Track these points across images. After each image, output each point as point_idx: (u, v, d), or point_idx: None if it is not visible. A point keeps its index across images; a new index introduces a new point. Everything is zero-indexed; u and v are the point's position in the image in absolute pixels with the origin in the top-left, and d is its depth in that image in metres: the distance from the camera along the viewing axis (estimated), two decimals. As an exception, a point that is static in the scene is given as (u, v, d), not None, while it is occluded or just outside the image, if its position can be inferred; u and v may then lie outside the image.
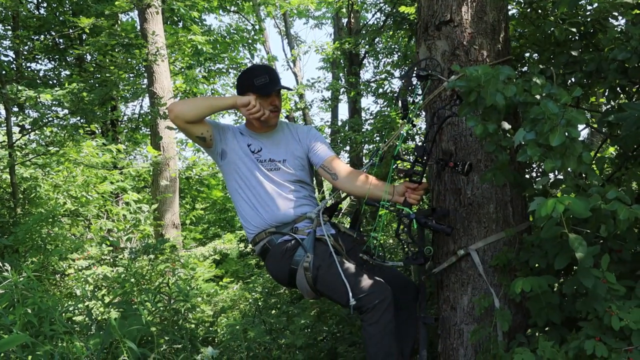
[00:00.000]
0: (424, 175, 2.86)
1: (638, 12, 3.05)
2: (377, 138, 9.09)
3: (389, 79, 11.74)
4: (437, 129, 2.89)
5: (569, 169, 2.18)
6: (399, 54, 11.16)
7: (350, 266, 2.88)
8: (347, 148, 11.06)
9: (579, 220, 2.27)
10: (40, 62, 12.04)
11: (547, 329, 2.62)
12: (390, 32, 10.08)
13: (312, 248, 2.88)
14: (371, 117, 11.87)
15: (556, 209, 1.96)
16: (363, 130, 10.36)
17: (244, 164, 3.00)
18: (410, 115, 2.88)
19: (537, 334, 2.63)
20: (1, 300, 3.42)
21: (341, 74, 13.72)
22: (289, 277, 2.93)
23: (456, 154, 3.03)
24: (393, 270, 3.06)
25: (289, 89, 3.08)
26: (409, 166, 2.85)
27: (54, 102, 8.32)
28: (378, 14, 11.62)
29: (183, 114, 2.82)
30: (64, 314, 3.84)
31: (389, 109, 9.96)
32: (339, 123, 14.13)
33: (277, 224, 3.00)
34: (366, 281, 2.79)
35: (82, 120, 9.50)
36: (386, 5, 9.79)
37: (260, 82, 2.93)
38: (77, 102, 7.89)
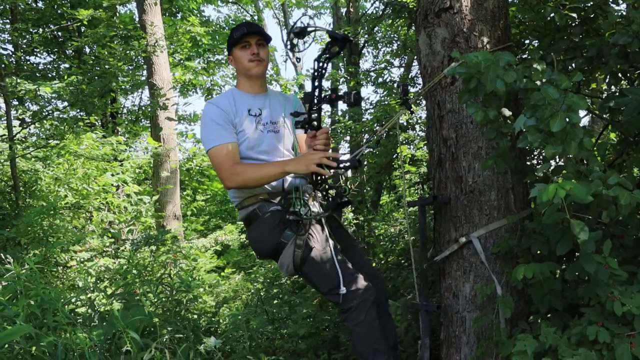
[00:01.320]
0: (320, 120, 2.81)
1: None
2: (377, 128, 9.07)
3: (388, 68, 11.70)
4: (319, 69, 2.76)
5: (570, 155, 2.17)
6: (399, 43, 11.12)
7: (340, 255, 2.83)
8: (348, 138, 11.03)
9: (580, 207, 2.27)
10: (39, 55, 12.01)
11: (549, 315, 2.62)
12: (389, 21, 10.04)
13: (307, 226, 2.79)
14: (371, 106, 11.83)
15: (557, 194, 1.96)
16: (363, 119, 10.33)
17: (245, 128, 2.87)
18: (410, 102, 2.87)
19: (539, 320, 2.63)
20: (4, 292, 3.43)
21: (340, 64, 13.66)
22: (273, 250, 2.82)
23: (457, 141, 3.03)
24: (367, 265, 3.04)
25: (267, 36, 2.96)
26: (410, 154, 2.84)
27: (54, 95, 8.30)
28: (377, 2, 11.56)
29: (247, 184, 2.77)
30: (66, 306, 3.85)
31: (389, 98, 9.92)
32: (339, 113, 14.10)
33: (270, 190, 2.87)
34: (353, 276, 2.74)
35: (81, 113, 9.49)
36: (385, -6, 9.75)
37: (237, 33, 2.90)
38: (76, 94, 7.86)
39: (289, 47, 2.72)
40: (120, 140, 9.17)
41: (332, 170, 2.69)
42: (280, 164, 2.74)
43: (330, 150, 2.81)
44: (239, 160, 2.79)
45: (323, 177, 2.77)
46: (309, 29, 2.68)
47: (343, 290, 2.66)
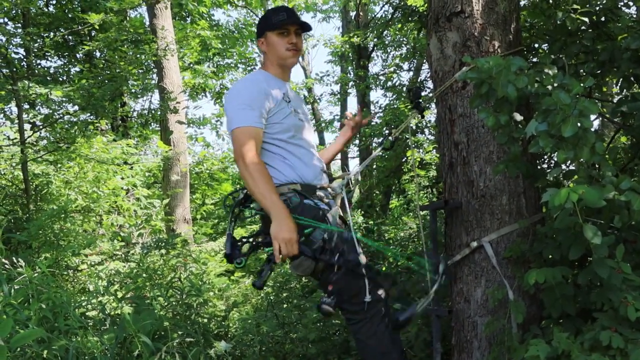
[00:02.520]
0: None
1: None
2: (386, 132, 9.07)
3: (397, 72, 11.71)
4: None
5: (581, 160, 2.16)
6: (408, 46, 11.13)
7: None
8: (357, 141, 11.04)
9: (592, 211, 2.26)
10: (50, 59, 12.09)
11: (561, 320, 2.61)
12: (399, 25, 10.05)
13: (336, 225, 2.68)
14: (380, 110, 11.84)
15: (570, 198, 1.95)
16: (372, 123, 10.35)
17: (282, 112, 2.73)
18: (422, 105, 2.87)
19: (551, 325, 2.62)
20: (17, 295, 3.44)
21: (350, 67, 13.68)
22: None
23: (468, 145, 3.02)
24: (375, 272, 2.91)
25: (308, 26, 2.85)
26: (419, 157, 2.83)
27: (64, 99, 8.35)
28: (386, 6, 11.57)
29: (249, 184, 2.54)
30: (77, 309, 3.87)
31: (398, 102, 9.93)
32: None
33: (303, 182, 2.71)
34: (374, 285, 2.65)
35: (92, 117, 9.54)
36: (394, -2, 9.78)
37: (277, 18, 2.77)
38: (87, 98, 7.90)
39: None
40: (130, 144, 9.20)
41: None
42: (278, 207, 2.50)
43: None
44: (259, 145, 2.64)
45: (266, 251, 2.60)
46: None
47: (368, 298, 2.57)
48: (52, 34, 11.02)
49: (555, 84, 2.25)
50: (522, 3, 3.86)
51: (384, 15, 12.17)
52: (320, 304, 2.52)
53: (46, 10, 11.50)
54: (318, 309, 2.55)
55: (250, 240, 2.64)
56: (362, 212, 7.74)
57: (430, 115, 7.12)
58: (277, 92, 2.73)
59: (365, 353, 2.71)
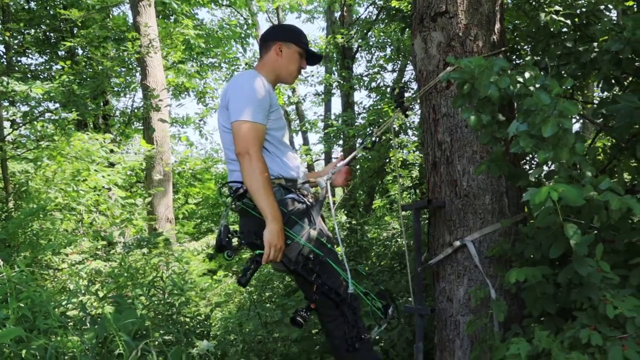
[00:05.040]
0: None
1: (632, 2, 3.06)
2: (370, 130, 9.09)
3: (381, 72, 11.74)
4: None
5: (562, 160, 2.18)
6: (392, 47, 11.16)
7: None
8: (341, 142, 11.06)
9: (572, 211, 2.28)
10: (31, 56, 11.95)
11: (542, 319, 2.63)
12: (382, 26, 10.08)
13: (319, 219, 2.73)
14: (364, 110, 11.87)
15: (550, 196, 1.97)
16: (356, 124, 10.37)
17: (278, 114, 2.79)
18: (406, 105, 2.88)
19: (532, 324, 2.65)
20: (-5, 294, 3.39)
21: (334, 68, 13.69)
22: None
23: (452, 145, 3.04)
24: None
25: (318, 62, 3.10)
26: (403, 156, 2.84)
27: (45, 96, 8.24)
28: (371, 7, 11.61)
29: (247, 178, 2.57)
30: (57, 309, 3.82)
31: (382, 102, 9.96)
32: (332, 117, 14.13)
33: (287, 177, 2.75)
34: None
35: (70, 115, 9.43)
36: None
37: (306, 41, 2.94)
38: (68, 95, 7.81)
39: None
40: (108, 137, 9.08)
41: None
42: (275, 212, 2.53)
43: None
44: (262, 143, 2.68)
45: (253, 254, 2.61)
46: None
47: (352, 289, 2.63)
48: (33, 30, 10.90)
49: (537, 85, 2.27)
50: (506, 5, 3.90)
51: (368, 16, 12.21)
52: (295, 315, 2.58)
53: (27, 6, 11.36)
54: (291, 320, 2.61)
55: (240, 236, 2.63)
56: (345, 212, 7.75)
57: (414, 116, 7.15)
58: (274, 93, 2.79)
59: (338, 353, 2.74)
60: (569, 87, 2.74)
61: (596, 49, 2.94)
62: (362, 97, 72.25)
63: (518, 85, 2.29)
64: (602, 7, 3.20)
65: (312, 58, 2.98)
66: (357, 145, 10.70)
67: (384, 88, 11.15)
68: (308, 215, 2.69)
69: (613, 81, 2.99)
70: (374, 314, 2.65)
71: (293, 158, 2.85)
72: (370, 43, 12.18)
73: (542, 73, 2.33)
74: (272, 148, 2.76)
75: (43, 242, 6.58)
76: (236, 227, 3.00)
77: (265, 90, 2.70)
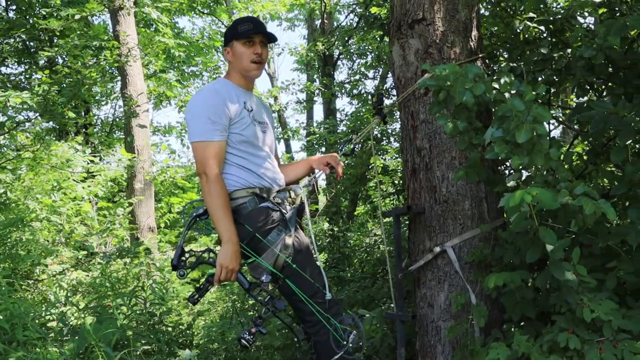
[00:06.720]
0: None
1: (604, 10, 3.11)
2: (352, 136, 9.11)
3: (363, 79, 11.79)
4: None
5: (538, 166, 2.21)
6: (373, 55, 11.22)
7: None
8: (323, 149, 11.08)
9: (550, 215, 2.31)
10: (10, 66, 11.83)
11: (522, 323, 2.66)
12: (362, 34, 10.14)
13: (294, 227, 2.73)
14: (346, 117, 11.90)
15: (524, 199, 1.99)
16: (338, 131, 10.39)
17: (242, 121, 2.73)
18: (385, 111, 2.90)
19: (512, 328, 2.67)
20: (-29, 306, 3.34)
21: (315, 76, 13.72)
22: (252, 249, 2.65)
23: (431, 151, 3.06)
24: None
25: (274, 37, 2.86)
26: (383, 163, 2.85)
27: (24, 106, 8.14)
28: (351, 15, 11.67)
29: (208, 201, 2.59)
30: (37, 320, 3.77)
31: (363, 109, 10.00)
32: (314, 124, 14.15)
33: (261, 187, 2.73)
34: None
35: (51, 124, 9.34)
36: (358, 7, 9.86)
37: (243, 28, 2.77)
38: (45, 104, 7.72)
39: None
40: (79, 141, 8.98)
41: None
42: (231, 235, 2.56)
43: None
44: (222, 159, 2.67)
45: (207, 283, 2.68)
46: None
47: (329, 295, 2.64)
48: (11, 40, 10.79)
49: (513, 91, 2.30)
50: (483, 12, 3.95)
51: (348, 24, 12.26)
52: (240, 338, 2.58)
53: (5, 15, 11.25)
54: (238, 340, 2.63)
55: (198, 254, 2.66)
56: (328, 219, 7.75)
57: (396, 122, 7.18)
58: (237, 102, 2.73)
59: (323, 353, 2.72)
60: (544, 93, 2.77)
61: (570, 56, 2.98)
62: (344, 104, 72.48)
63: (494, 91, 2.32)
64: (577, 13, 3.25)
65: (262, 35, 2.81)
66: (339, 152, 10.73)
67: (365, 95, 11.19)
68: (284, 223, 2.68)
69: (587, 87, 3.04)
70: (334, 340, 2.64)
71: (268, 166, 2.81)
72: (351, 50, 12.23)
73: (517, 79, 2.36)
74: (239, 160, 2.73)
75: (22, 252, 6.49)
76: (193, 246, 3.04)
77: (220, 103, 2.66)
